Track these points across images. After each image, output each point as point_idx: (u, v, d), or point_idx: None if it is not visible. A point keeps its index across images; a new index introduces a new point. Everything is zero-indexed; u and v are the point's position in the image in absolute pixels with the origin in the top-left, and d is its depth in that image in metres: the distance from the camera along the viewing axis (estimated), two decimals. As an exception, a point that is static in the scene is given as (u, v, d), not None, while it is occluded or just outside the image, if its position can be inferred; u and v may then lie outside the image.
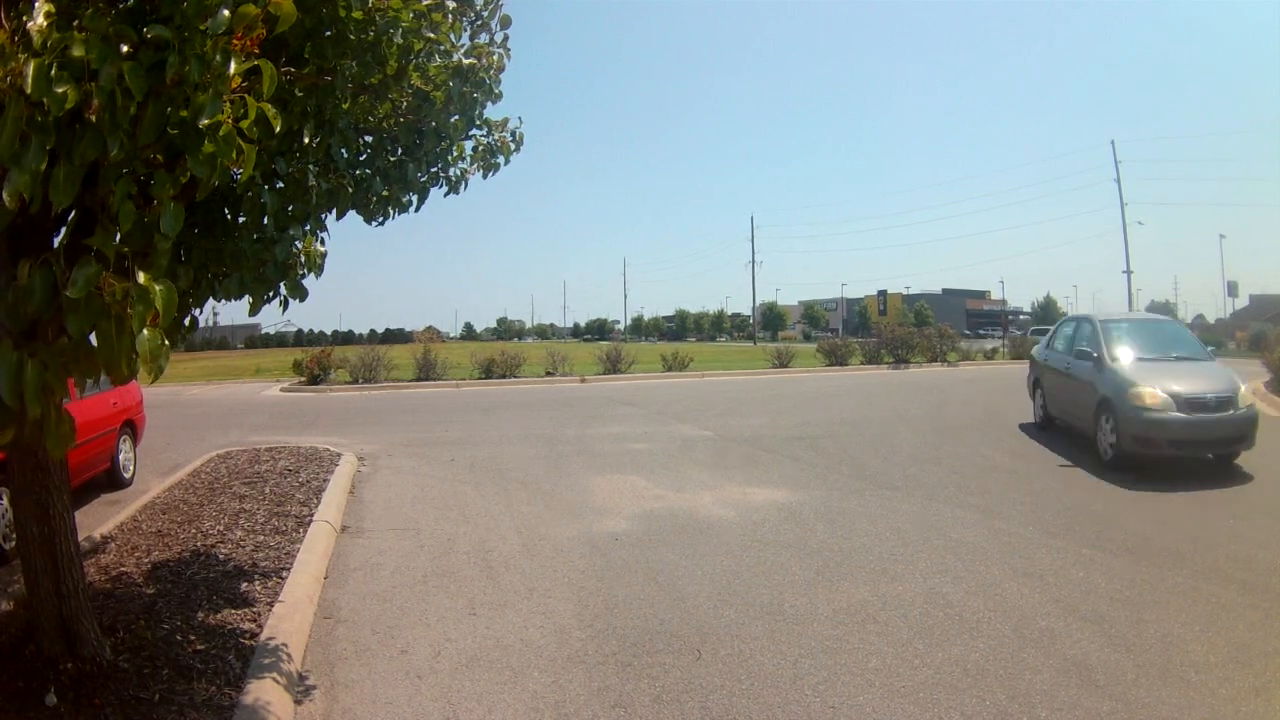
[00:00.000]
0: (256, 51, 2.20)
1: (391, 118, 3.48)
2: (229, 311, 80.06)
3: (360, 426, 11.99)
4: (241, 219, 3.12)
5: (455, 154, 3.86)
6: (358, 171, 3.56)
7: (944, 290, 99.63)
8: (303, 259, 3.43)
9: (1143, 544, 5.24)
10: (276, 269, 3.24)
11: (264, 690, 3.02)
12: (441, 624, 3.95)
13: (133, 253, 2.13)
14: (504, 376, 21.67)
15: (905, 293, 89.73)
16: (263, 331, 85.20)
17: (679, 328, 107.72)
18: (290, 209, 3.12)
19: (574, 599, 4.28)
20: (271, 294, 3.38)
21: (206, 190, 2.22)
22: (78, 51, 1.87)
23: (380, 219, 3.84)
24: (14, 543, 4.22)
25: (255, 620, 3.75)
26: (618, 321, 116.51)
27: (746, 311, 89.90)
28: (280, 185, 3.08)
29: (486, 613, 4.10)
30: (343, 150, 3.35)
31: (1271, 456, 8.04)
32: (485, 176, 4.03)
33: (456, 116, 3.58)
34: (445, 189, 3.94)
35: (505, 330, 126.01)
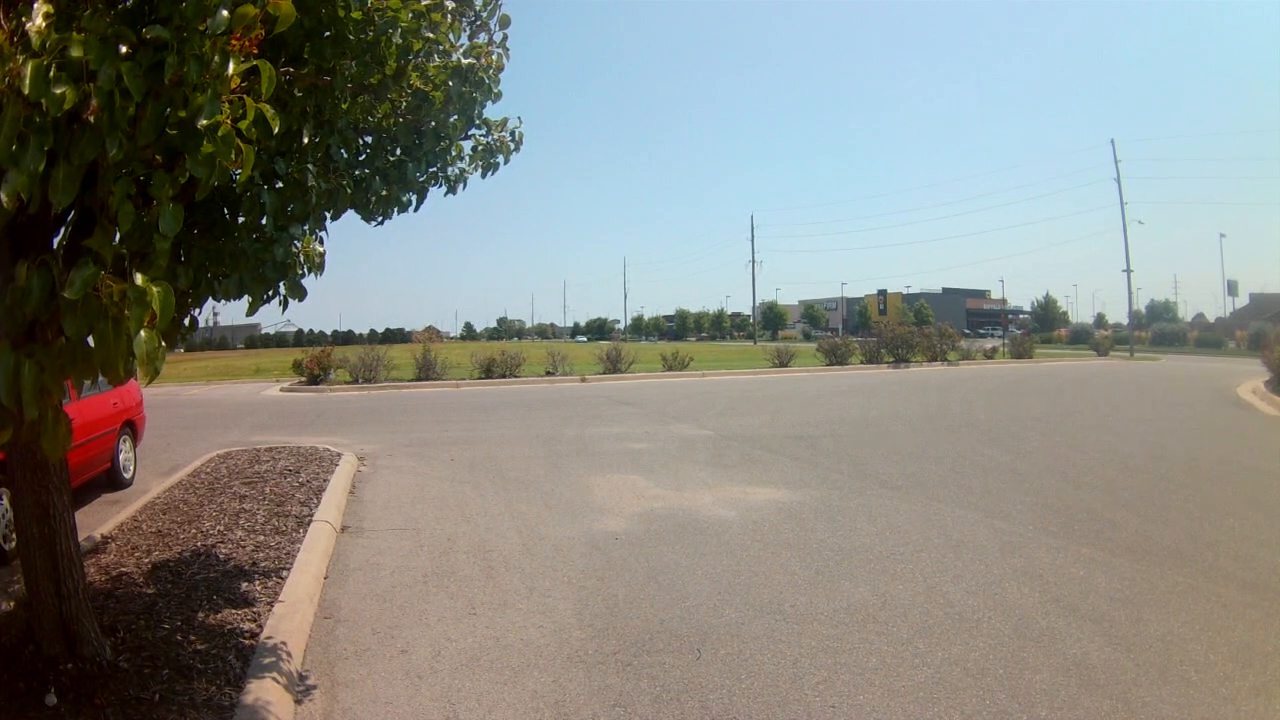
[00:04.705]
0: (255, 52, 2.20)
1: (391, 118, 3.48)
2: (229, 311, 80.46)
3: (360, 426, 11.99)
4: (241, 219, 3.12)
5: (454, 154, 3.86)
6: (357, 171, 3.56)
7: (944, 289, 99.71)
8: (302, 259, 3.43)
9: (1143, 542, 5.24)
10: (276, 269, 3.24)
11: (264, 690, 3.02)
12: (441, 624, 3.95)
13: (132, 253, 2.14)
14: (504, 376, 21.69)
15: (905, 292, 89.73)
16: (262, 331, 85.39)
17: (679, 327, 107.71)
18: (289, 209, 3.12)
19: (574, 598, 4.28)
20: (271, 294, 3.38)
21: (205, 190, 2.22)
22: (76, 52, 1.87)
23: (380, 219, 3.84)
24: (14, 543, 4.22)
25: (255, 620, 3.75)
26: (618, 321, 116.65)
27: (747, 311, 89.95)
28: (279, 185, 3.08)
29: (486, 612, 4.10)
30: (342, 150, 3.35)
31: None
32: (485, 176, 4.03)
33: (456, 116, 3.58)
34: (444, 189, 3.94)
35: (505, 330, 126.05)
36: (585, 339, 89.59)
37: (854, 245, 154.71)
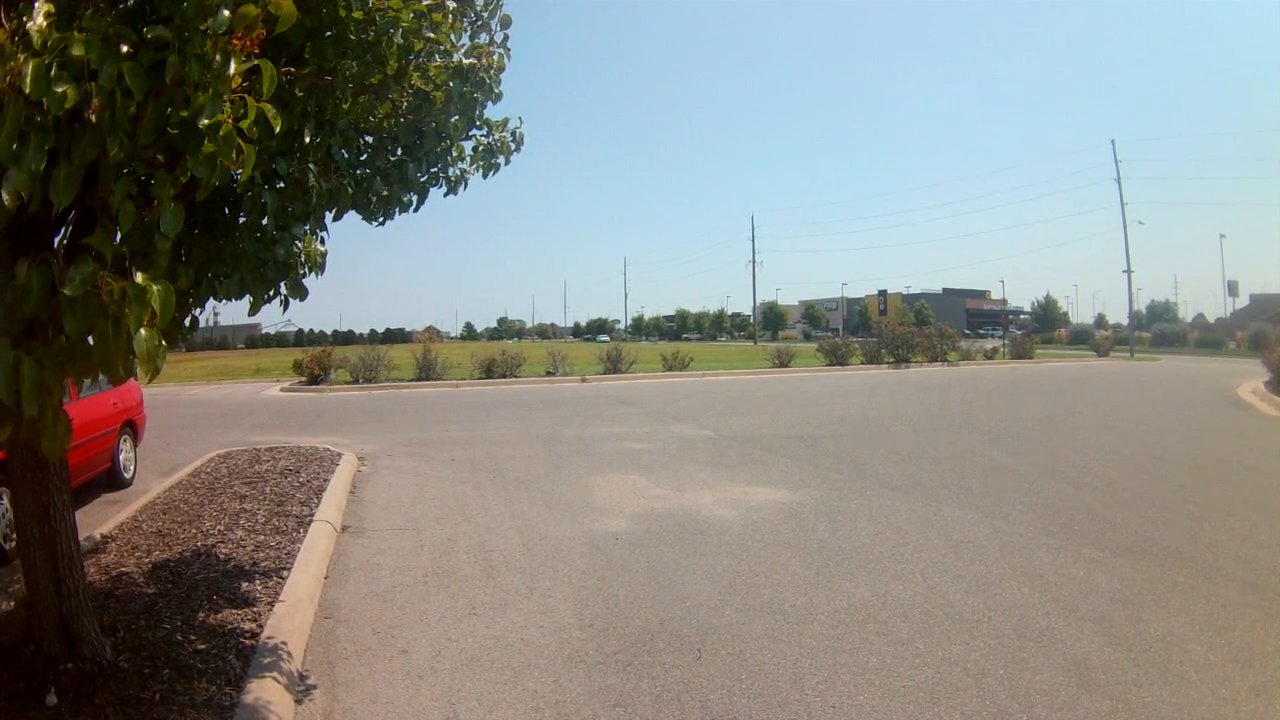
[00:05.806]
0: (256, 51, 2.20)
1: (392, 118, 3.48)
2: (229, 311, 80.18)
3: (360, 426, 11.99)
4: (242, 219, 3.12)
5: (455, 154, 3.86)
6: (358, 171, 3.56)
7: (944, 290, 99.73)
8: (303, 258, 3.43)
9: (1143, 543, 5.24)
10: (277, 268, 3.24)
11: (265, 690, 3.02)
12: (442, 623, 3.95)
13: (132, 252, 2.13)
14: (504, 376, 21.69)
15: (905, 292, 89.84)
16: (263, 331, 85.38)
17: (679, 327, 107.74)
18: (290, 209, 3.12)
19: (574, 598, 4.28)
20: (272, 293, 3.38)
21: (207, 190, 2.22)
22: (77, 51, 1.87)
23: (380, 219, 3.84)
24: (14, 543, 4.22)
25: (256, 620, 3.75)
26: (618, 321, 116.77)
27: (747, 311, 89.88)
28: (280, 185, 3.08)
29: (487, 612, 4.10)
30: (343, 150, 3.35)
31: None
32: (485, 176, 4.03)
33: (457, 116, 3.58)
34: (445, 189, 3.95)
35: (505, 330, 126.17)
36: (607, 338, 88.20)
37: (854, 245, 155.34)
